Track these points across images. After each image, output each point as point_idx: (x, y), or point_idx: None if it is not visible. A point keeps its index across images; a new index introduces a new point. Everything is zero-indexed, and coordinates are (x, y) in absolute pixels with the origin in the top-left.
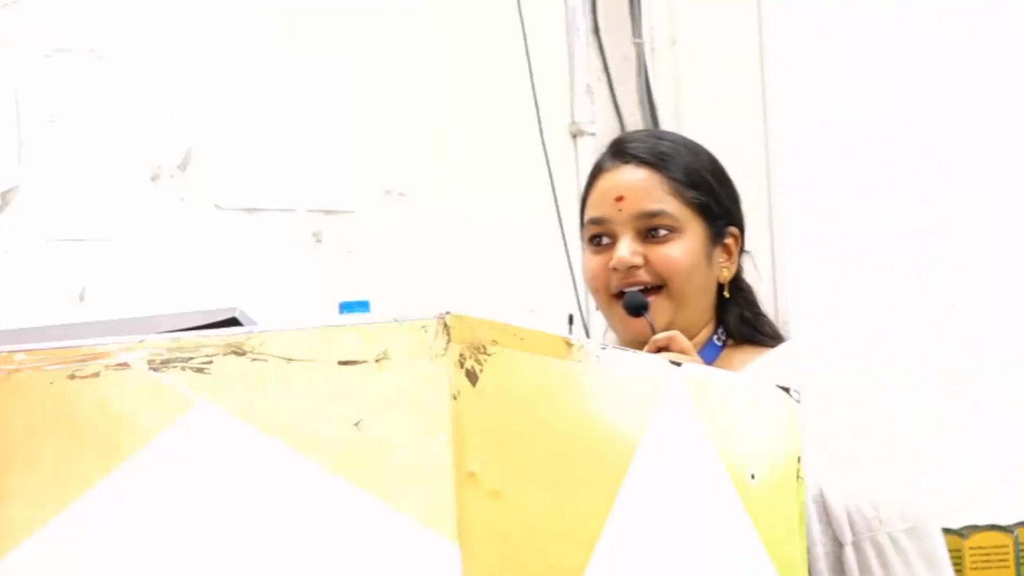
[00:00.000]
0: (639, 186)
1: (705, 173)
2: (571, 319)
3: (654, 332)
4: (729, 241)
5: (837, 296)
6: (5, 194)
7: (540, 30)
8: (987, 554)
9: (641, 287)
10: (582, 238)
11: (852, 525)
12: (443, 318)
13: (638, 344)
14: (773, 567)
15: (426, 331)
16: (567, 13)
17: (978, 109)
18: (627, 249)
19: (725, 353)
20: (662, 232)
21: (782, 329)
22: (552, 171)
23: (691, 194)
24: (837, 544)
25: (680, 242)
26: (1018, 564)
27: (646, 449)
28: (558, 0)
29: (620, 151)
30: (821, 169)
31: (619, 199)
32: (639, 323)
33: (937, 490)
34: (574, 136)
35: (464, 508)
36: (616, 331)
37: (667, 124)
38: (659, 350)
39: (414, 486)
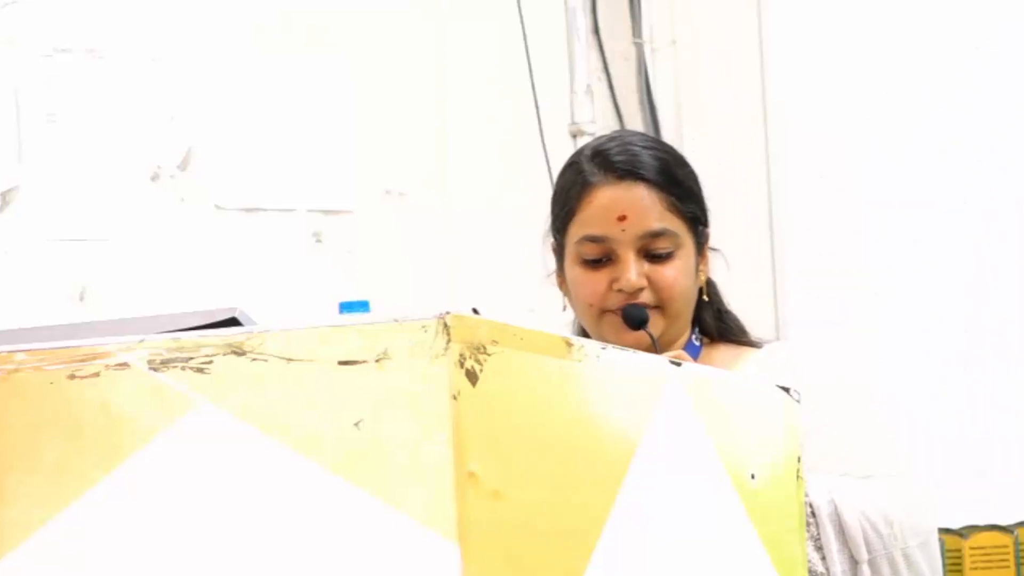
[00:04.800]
0: (640, 204)
1: (690, 182)
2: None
3: (655, 345)
4: (704, 244)
5: (837, 296)
6: (5, 194)
7: (540, 30)
8: (987, 554)
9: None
10: (561, 248)
11: (868, 544)
12: (443, 318)
13: None
14: (773, 567)
15: (426, 331)
16: (567, 13)
17: (978, 109)
18: (635, 271)
19: (704, 352)
20: (663, 251)
21: (781, 330)
22: (552, 171)
23: (684, 207)
24: (852, 563)
25: (678, 261)
26: (1018, 564)
27: (646, 449)
28: (558, 0)
29: (608, 164)
30: (821, 169)
31: (622, 218)
32: (636, 335)
33: (938, 491)
34: (574, 136)
35: (464, 508)
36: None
37: (667, 124)
38: None
39: (414, 486)
